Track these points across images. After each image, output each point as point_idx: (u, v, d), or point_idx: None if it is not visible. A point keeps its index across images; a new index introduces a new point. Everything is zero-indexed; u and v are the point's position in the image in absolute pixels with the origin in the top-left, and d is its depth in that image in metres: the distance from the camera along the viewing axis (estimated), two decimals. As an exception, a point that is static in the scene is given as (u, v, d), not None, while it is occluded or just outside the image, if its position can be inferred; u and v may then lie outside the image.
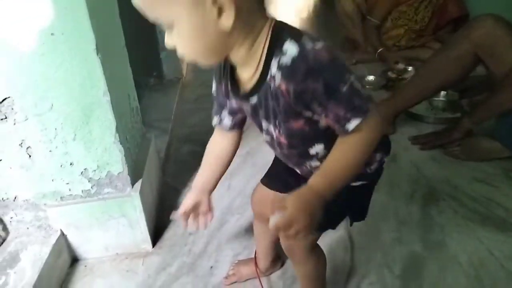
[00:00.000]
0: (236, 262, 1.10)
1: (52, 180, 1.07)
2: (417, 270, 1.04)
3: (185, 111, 2.06)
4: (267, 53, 0.58)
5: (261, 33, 0.58)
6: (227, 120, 0.77)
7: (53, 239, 1.08)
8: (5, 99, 0.97)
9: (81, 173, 1.07)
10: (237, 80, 0.66)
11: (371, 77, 2.33)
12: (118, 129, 1.04)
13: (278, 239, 0.91)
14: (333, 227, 0.79)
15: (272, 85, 0.59)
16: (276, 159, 0.88)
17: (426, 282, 1.00)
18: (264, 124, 0.68)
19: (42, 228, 1.12)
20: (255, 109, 0.66)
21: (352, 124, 0.57)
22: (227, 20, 0.54)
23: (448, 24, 2.47)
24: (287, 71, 0.56)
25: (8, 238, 1.11)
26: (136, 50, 2.06)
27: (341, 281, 1.02)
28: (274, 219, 0.57)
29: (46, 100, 0.98)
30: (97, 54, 0.94)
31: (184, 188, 1.44)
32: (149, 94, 2.16)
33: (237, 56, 0.60)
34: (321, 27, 3.41)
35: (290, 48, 0.55)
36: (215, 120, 0.79)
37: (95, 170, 1.08)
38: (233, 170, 1.54)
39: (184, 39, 0.57)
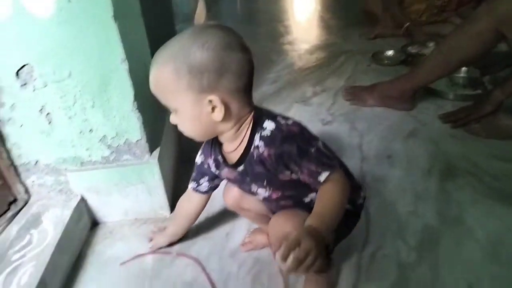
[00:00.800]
0: (252, 230, 1.12)
1: (72, 146, 1.09)
2: (433, 243, 1.04)
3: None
4: (250, 132, 0.74)
5: (246, 120, 0.75)
6: (204, 185, 0.95)
7: (73, 203, 1.11)
8: (24, 65, 0.98)
9: (100, 140, 1.09)
10: (223, 153, 0.82)
11: (390, 52, 2.29)
12: (136, 97, 1.04)
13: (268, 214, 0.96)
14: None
15: (255, 154, 0.74)
16: None
17: (442, 255, 1.00)
18: (253, 187, 0.81)
19: (63, 192, 1.15)
20: (242, 175, 0.80)
21: (323, 176, 0.71)
22: (218, 114, 0.71)
23: (471, 1, 2.39)
24: (268, 140, 0.72)
25: (30, 201, 1.14)
26: (151, 21, 2.06)
27: (355, 251, 1.03)
28: (287, 256, 0.59)
29: (64, 67, 0.98)
30: (115, 21, 0.94)
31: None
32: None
33: (225, 136, 0.77)
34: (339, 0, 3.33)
35: (269, 125, 0.73)
36: (192, 185, 0.97)
37: (113, 137, 1.09)
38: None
39: (185, 123, 0.75)
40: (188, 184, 1.01)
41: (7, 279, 0.90)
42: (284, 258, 0.59)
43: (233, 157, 0.79)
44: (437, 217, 1.12)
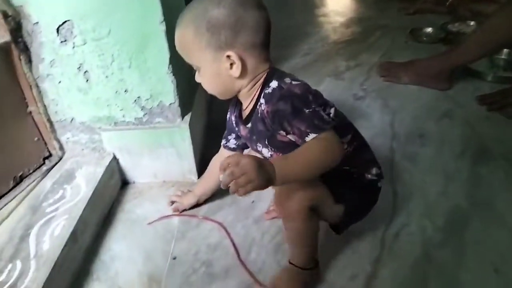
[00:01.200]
0: (276, 199, 1.13)
1: (108, 105, 1.11)
2: (461, 225, 1.02)
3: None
4: (260, 90, 0.78)
5: (260, 78, 0.78)
6: (232, 142, 1.00)
7: (106, 161, 1.14)
8: (65, 22, 0.99)
9: (135, 101, 1.10)
10: (241, 111, 0.87)
11: (429, 29, 2.20)
12: (171, 60, 1.05)
13: None
14: (357, 219, 0.91)
15: (259, 111, 0.77)
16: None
17: (469, 238, 0.98)
18: (258, 146, 0.84)
19: (96, 150, 1.18)
20: (250, 132, 0.84)
21: (310, 137, 0.69)
22: (236, 70, 0.75)
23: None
24: (268, 97, 0.75)
25: (64, 157, 1.19)
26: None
27: (380, 228, 1.03)
28: (228, 169, 0.64)
29: (104, 25, 0.99)
30: None
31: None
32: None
33: (242, 94, 0.81)
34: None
35: (273, 83, 0.76)
36: (223, 141, 1.02)
37: (148, 99, 1.10)
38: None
39: (206, 80, 0.80)
40: (216, 151, 1.03)
41: (40, 229, 0.94)
42: (222, 172, 0.64)
43: (245, 114, 0.84)
44: (467, 199, 1.10)
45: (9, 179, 1.05)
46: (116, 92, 1.09)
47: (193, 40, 0.74)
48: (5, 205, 1.01)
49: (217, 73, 0.76)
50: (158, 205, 1.15)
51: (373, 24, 2.41)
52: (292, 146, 0.75)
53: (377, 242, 0.99)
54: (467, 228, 1.01)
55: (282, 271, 0.90)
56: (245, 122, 0.85)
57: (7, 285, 0.80)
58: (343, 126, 0.82)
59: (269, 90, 0.75)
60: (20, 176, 1.08)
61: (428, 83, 1.67)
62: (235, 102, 0.89)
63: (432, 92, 1.65)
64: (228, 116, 0.96)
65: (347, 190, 0.83)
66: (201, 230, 1.06)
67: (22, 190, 1.06)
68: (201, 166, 1.22)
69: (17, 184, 1.07)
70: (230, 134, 1.00)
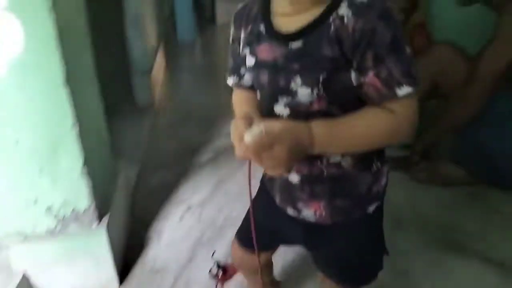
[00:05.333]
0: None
1: (15, 218, 1.05)
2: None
3: (157, 138, 2.06)
4: None
5: None
6: (248, 77, 0.69)
7: (15, 281, 1.05)
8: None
9: (46, 209, 1.05)
10: (271, 20, 0.61)
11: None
12: (86, 162, 1.03)
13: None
14: (375, 273, 0.75)
15: (333, 26, 0.55)
16: (259, 205, 0.76)
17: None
18: (295, 81, 0.58)
19: (3, 270, 1.09)
20: (291, 56, 0.58)
21: (404, 90, 0.53)
22: None
23: None
24: (362, 8, 0.54)
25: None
26: (108, 76, 2.06)
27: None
28: (254, 133, 0.51)
29: (11, 133, 0.95)
30: (65, 87, 0.94)
31: (153, 220, 1.43)
32: (121, 121, 2.14)
33: None
34: None
35: None
36: (233, 79, 0.72)
37: (60, 206, 1.05)
38: (205, 199, 1.54)
39: None
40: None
41: None
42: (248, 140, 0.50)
43: (290, 25, 0.59)
44: (386, 270, 1.13)
45: None
46: (25, 203, 1.03)
47: None
48: None
49: None
50: (76, 320, 1.06)
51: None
52: (351, 95, 0.57)
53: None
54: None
55: None
56: (286, 39, 0.59)
57: None
58: None
59: (361, 0, 0.55)
60: None
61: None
62: (260, 6, 0.64)
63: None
64: (231, 36, 0.70)
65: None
66: None
67: None
68: (123, 271, 1.16)
69: None
70: (240, 68, 0.70)
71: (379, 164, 0.66)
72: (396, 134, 0.56)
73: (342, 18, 0.54)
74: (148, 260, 1.25)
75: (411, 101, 0.54)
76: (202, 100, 2.51)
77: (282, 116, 0.62)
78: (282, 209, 0.72)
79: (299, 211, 0.69)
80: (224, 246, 1.29)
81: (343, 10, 0.55)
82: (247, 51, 0.64)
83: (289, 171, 0.54)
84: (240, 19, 0.66)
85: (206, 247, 1.30)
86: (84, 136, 1.02)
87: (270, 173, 0.54)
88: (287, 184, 0.68)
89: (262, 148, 0.51)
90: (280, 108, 0.62)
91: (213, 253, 1.22)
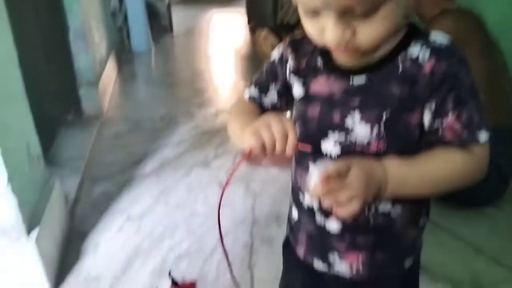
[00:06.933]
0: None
1: None
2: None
3: (102, 148, 2.05)
4: (404, 37, 0.55)
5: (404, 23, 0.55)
6: (271, 98, 0.66)
7: None
8: None
9: (-30, 225, 1.04)
10: (330, 54, 0.58)
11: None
12: (10, 179, 1.03)
13: None
14: None
15: (403, 66, 0.54)
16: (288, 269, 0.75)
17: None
18: (352, 118, 0.55)
19: None
20: (351, 92, 0.56)
21: (484, 135, 0.52)
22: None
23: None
24: (443, 50, 0.52)
25: None
26: (52, 86, 2.05)
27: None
28: (328, 170, 0.48)
29: None
30: None
31: (93, 232, 1.43)
32: (66, 132, 2.12)
33: None
34: None
35: (442, 36, 0.54)
36: (254, 92, 0.66)
37: (-15, 221, 1.05)
38: (145, 210, 1.55)
39: (386, 20, 0.50)
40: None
41: None
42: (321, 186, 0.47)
43: (354, 62, 0.56)
44: None
45: None
46: None
47: None
48: None
49: (405, 6, 0.52)
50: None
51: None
52: (412, 137, 0.55)
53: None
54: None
55: None
56: (348, 73, 0.56)
57: None
58: None
59: (441, 41, 0.53)
60: None
61: (287, 165, 1.84)
62: (308, 43, 0.60)
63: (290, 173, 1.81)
64: (276, 55, 0.65)
65: None
66: None
67: None
68: (56, 283, 1.16)
69: None
70: (272, 82, 0.66)
71: (426, 219, 0.64)
72: (471, 175, 0.55)
73: (415, 58, 0.53)
74: (83, 270, 1.26)
75: (487, 144, 0.53)
76: (152, 110, 2.52)
77: (330, 155, 0.58)
78: (306, 263, 0.66)
79: (330, 264, 0.63)
80: (160, 257, 1.30)
81: (416, 50, 0.53)
82: (297, 81, 0.62)
83: (364, 207, 0.49)
84: (296, 46, 0.63)
85: (142, 258, 1.31)
86: (8, 153, 1.02)
87: (342, 211, 0.49)
88: (321, 232, 0.62)
89: (336, 176, 0.48)
90: (329, 146, 0.58)
91: (169, 272, 1.23)
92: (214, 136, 2.27)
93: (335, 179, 0.48)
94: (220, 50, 3.94)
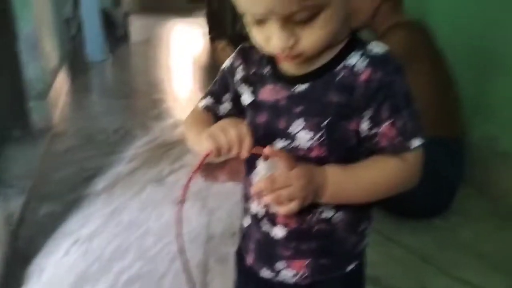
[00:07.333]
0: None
1: None
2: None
3: (51, 165, 1.96)
4: (345, 47, 0.58)
5: (345, 32, 0.58)
6: (225, 107, 0.69)
7: None
8: None
9: None
10: (276, 63, 0.61)
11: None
12: None
13: None
14: None
15: (342, 74, 0.56)
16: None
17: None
18: (296, 124, 0.58)
19: None
20: (294, 100, 0.59)
21: (417, 141, 0.55)
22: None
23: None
24: (379, 60, 0.56)
25: None
26: (0, 101, 1.95)
27: None
28: (270, 169, 0.53)
29: None
30: None
31: (38, 255, 1.36)
32: (13, 147, 2.01)
33: None
34: None
35: (380, 45, 0.57)
36: (208, 102, 0.69)
37: None
38: (94, 231, 1.49)
39: (329, 23, 0.53)
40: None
41: None
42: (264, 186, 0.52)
43: (296, 69, 0.59)
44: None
45: None
46: None
47: None
48: None
49: (344, 10, 0.55)
50: None
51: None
52: (350, 143, 0.58)
53: None
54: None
55: None
56: (293, 81, 0.59)
57: None
58: None
59: (378, 51, 0.56)
60: None
61: (242, 179, 1.83)
62: (256, 52, 0.63)
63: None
64: (228, 63, 0.68)
65: None
66: None
67: None
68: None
69: None
70: (225, 93, 0.68)
71: (367, 223, 0.66)
72: (406, 181, 0.58)
73: (352, 67, 0.56)
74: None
75: (420, 151, 0.56)
76: (106, 123, 2.45)
77: None
78: (253, 271, 0.68)
79: (277, 272, 0.65)
80: (109, 282, 1.26)
81: (355, 59, 0.56)
82: (246, 89, 0.65)
83: (299, 207, 0.54)
84: (245, 55, 0.66)
85: (90, 282, 1.26)
86: None
87: (281, 209, 0.54)
88: (268, 240, 0.64)
89: (281, 183, 0.52)
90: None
91: None
92: (171, 149, 2.23)
93: (279, 177, 0.52)
94: (179, 60, 3.91)
